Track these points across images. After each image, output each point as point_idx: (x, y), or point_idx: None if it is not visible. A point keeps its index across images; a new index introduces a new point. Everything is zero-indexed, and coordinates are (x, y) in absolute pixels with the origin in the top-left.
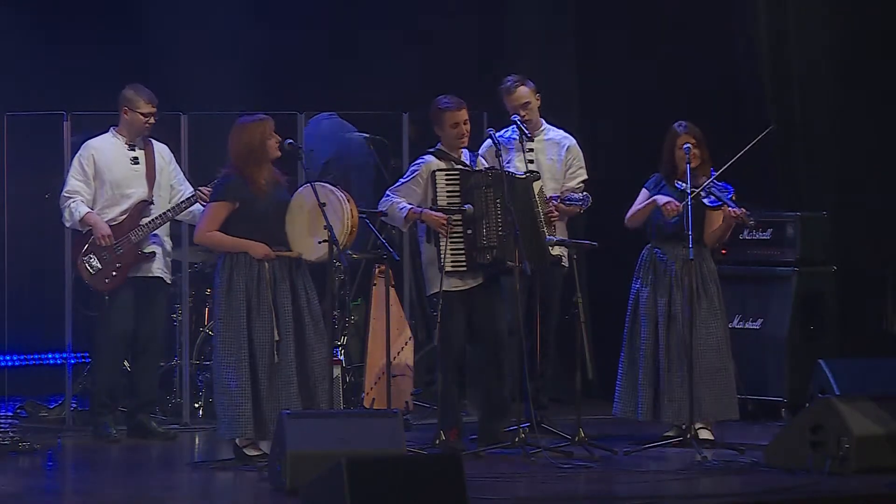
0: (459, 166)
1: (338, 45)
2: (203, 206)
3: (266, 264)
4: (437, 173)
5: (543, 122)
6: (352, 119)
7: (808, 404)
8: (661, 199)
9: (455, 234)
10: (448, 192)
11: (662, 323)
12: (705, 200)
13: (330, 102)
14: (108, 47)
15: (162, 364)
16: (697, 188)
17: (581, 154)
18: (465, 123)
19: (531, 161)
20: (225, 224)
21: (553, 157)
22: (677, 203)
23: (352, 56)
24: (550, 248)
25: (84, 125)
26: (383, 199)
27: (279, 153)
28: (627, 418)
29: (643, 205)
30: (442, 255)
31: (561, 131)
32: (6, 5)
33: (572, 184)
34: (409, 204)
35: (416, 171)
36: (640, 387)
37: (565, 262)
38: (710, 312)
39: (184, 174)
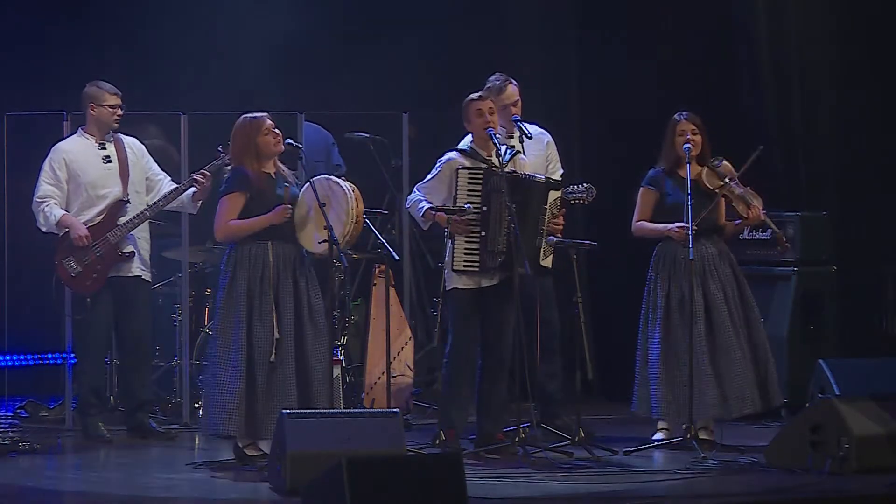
0: (484, 166)
1: (338, 45)
2: (196, 187)
3: (270, 261)
4: (460, 171)
5: None
6: (352, 119)
7: (808, 404)
8: (673, 230)
9: (470, 235)
10: (469, 191)
11: (697, 319)
12: (736, 189)
13: (330, 102)
14: (108, 47)
15: (162, 364)
16: (699, 180)
17: (556, 149)
18: (490, 112)
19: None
20: (242, 217)
21: (536, 154)
22: (680, 227)
23: (352, 56)
24: (546, 253)
25: (84, 125)
26: (411, 194)
27: (280, 148)
28: (669, 420)
29: (655, 230)
30: (451, 254)
31: (535, 127)
32: (6, 5)
33: (554, 178)
34: (429, 203)
35: (439, 168)
36: (675, 386)
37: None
38: (751, 302)
39: (184, 175)
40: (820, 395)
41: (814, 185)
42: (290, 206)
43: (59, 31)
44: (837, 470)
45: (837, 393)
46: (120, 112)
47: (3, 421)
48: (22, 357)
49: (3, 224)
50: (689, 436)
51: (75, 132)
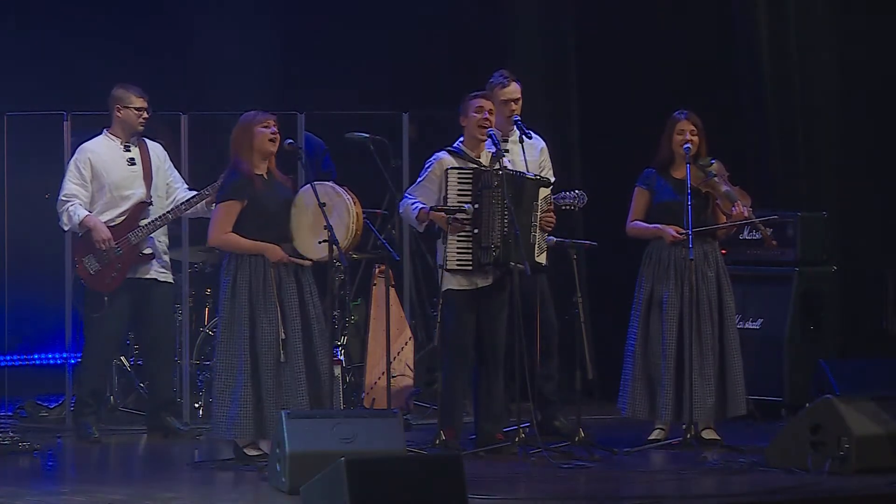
0: (473, 165)
1: (338, 45)
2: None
3: (271, 262)
4: (450, 171)
5: None
6: (352, 119)
7: (808, 404)
8: (668, 233)
9: (462, 234)
10: (459, 190)
11: (687, 321)
12: (722, 185)
13: (330, 102)
14: (107, 47)
15: None
16: (698, 184)
17: (549, 156)
18: (490, 112)
19: (509, 161)
20: (236, 222)
21: (530, 160)
22: (675, 233)
23: (352, 56)
24: (541, 249)
25: (84, 125)
26: (402, 199)
27: (272, 147)
28: (640, 418)
29: (649, 229)
30: (444, 255)
31: (531, 133)
32: (6, 5)
33: None
34: (423, 203)
35: (429, 168)
36: (664, 388)
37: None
38: (730, 308)
39: (184, 175)
40: (820, 395)
41: (814, 185)
42: (289, 259)
43: (59, 31)
44: (837, 470)
45: (837, 393)
46: (146, 115)
47: (3, 421)
48: (22, 357)
49: (4, 224)
50: (689, 436)
51: (100, 133)
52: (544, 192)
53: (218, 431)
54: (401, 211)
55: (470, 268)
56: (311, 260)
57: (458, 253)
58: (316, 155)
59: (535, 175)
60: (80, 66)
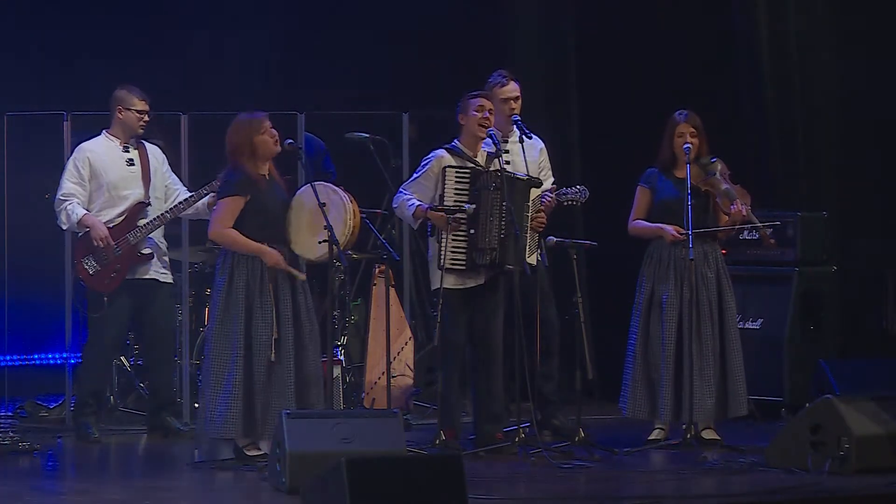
0: (471, 165)
1: (338, 45)
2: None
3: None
4: (447, 170)
5: None
6: (352, 119)
7: (808, 404)
8: (669, 232)
9: (458, 233)
10: (456, 189)
11: (687, 321)
12: (722, 183)
13: (330, 102)
14: (107, 47)
15: None
16: (698, 183)
17: (548, 157)
18: (490, 112)
19: (507, 163)
20: (237, 220)
21: (530, 160)
22: (675, 233)
23: (352, 56)
24: (531, 250)
25: (84, 125)
26: (396, 195)
27: (277, 149)
28: (640, 418)
29: (650, 228)
30: (442, 253)
31: (530, 132)
32: (6, 5)
33: (546, 185)
34: (419, 201)
35: (427, 165)
36: (662, 388)
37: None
38: (731, 308)
39: (184, 175)
40: (820, 395)
41: (814, 185)
42: (285, 267)
43: (59, 31)
44: (837, 470)
45: (837, 393)
46: (146, 118)
47: (3, 421)
48: (22, 357)
49: (4, 224)
50: (689, 436)
51: (98, 134)
52: (535, 192)
53: (206, 428)
54: (395, 206)
55: (463, 268)
56: (305, 275)
57: (453, 252)
58: (316, 155)
59: (527, 175)
60: (80, 66)
